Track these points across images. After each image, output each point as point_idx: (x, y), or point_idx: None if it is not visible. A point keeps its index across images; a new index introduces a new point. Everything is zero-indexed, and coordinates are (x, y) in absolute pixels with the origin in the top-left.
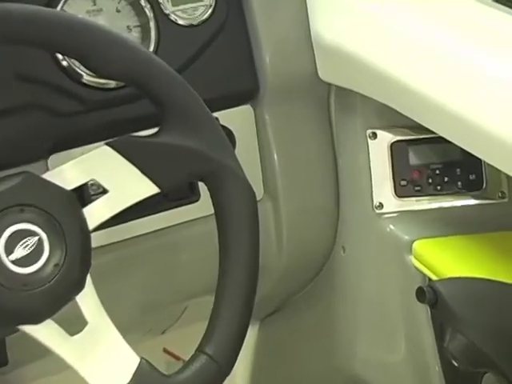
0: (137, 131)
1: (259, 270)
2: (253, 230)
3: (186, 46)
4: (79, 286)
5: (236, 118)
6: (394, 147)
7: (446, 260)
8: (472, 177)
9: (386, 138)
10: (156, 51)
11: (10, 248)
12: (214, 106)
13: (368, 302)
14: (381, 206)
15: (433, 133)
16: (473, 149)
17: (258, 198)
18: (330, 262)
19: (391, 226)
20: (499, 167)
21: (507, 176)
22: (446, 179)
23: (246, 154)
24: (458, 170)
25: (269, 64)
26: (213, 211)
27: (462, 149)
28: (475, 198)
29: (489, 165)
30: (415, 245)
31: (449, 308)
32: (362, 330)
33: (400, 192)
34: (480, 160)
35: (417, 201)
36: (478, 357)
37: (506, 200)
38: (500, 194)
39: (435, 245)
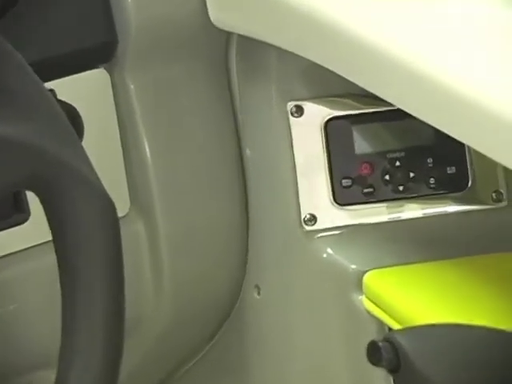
0: None
1: (126, 328)
2: (113, 264)
3: None
4: None
5: (82, 90)
6: (330, 128)
7: (413, 299)
8: (451, 170)
9: (317, 113)
10: None
11: None
12: (47, 71)
13: (298, 368)
14: (313, 219)
15: (390, 105)
16: (452, 128)
17: (121, 214)
18: (237, 310)
19: (329, 251)
20: (494, 157)
21: (505, 169)
22: (411, 175)
23: (100, 146)
24: (430, 160)
25: (131, 4)
26: (50, 237)
27: (434, 128)
28: (456, 202)
29: (477, 153)
30: (367, 278)
31: (418, 372)
32: None
33: (342, 197)
34: (463, 145)
35: (368, 210)
36: None
37: (503, 204)
38: (494, 196)
39: (396, 277)
